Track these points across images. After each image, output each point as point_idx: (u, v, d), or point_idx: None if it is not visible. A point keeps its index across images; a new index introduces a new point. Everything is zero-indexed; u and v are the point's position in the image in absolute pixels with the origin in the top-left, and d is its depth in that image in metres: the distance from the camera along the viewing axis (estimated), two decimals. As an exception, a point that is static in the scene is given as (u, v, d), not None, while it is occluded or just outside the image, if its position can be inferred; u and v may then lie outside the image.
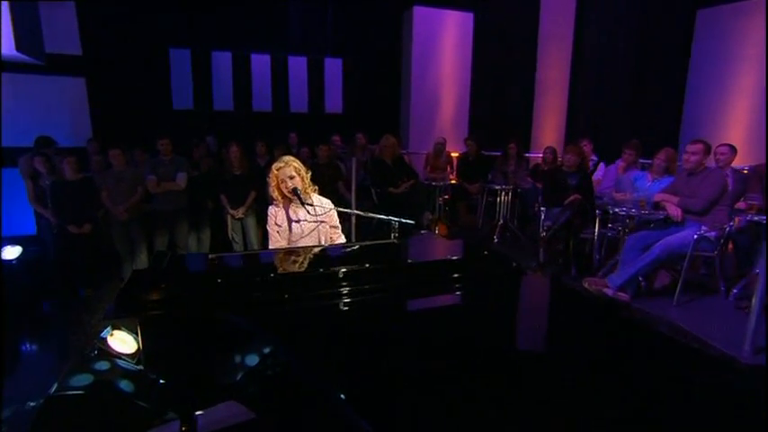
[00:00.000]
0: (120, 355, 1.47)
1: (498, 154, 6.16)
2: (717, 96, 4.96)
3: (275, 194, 2.49)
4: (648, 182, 3.78)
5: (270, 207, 2.57)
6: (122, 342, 1.52)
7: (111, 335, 1.52)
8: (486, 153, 6.27)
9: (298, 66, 7.96)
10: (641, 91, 5.89)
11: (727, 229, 3.04)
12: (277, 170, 2.45)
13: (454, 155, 6.55)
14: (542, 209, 3.99)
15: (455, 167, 6.38)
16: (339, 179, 5.35)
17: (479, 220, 5.81)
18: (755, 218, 2.97)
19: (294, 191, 2.40)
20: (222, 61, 7.35)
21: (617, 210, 3.37)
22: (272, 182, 2.47)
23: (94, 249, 4.39)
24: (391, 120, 7.79)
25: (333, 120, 8.18)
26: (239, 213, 4.72)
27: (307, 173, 2.50)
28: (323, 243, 2.52)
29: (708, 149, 3.21)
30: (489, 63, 7.33)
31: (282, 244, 2.51)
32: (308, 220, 2.50)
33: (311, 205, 2.44)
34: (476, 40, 7.27)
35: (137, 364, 1.45)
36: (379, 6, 7.71)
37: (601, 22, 6.38)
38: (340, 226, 2.62)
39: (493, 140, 6.48)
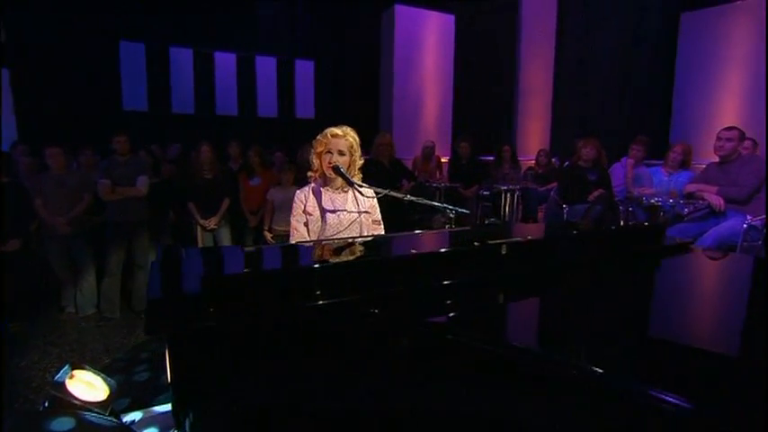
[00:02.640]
0: (87, 406, 1.13)
1: (489, 158, 5.95)
2: (704, 97, 5.05)
3: (315, 167, 2.01)
4: (665, 176, 3.65)
5: (297, 192, 2.07)
6: (89, 386, 1.20)
7: (72, 377, 1.18)
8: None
9: (266, 67, 7.43)
10: (627, 93, 5.93)
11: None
12: (332, 136, 1.95)
13: (443, 159, 6.25)
14: (565, 207, 3.74)
15: (446, 171, 6.07)
16: (325, 184, 4.83)
17: (452, 226, 5.51)
18: None
19: (336, 169, 1.91)
20: (182, 59, 6.67)
21: (653, 201, 3.17)
22: (317, 148, 1.99)
23: (24, 272, 3.57)
24: (370, 124, 7.40)
25: (304, 125, 7.69)
26: (211, 223, 4.07)
27: (360, 159, 2.02)
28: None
29: (742, 136, 3.09)
30: (472, 66, 7.19)
31: (305, 239, 1.99)
32: (347, 210, 2.01)
33: (364, 187, 1.94)
34: (458, 42, 7.12)
35: (112, 415, 1.16)
36: (354, 6, 7.40)
37: (582, 26, 6.43)
38: (382, 221, 2.14)
39: (478, 144, 6.27)
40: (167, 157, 5.13)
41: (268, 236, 4.23)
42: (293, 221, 2.03)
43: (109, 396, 1.24)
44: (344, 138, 1.96)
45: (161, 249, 1.80)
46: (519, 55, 6.98)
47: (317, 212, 2.00)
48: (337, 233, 2.00)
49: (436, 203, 2.02)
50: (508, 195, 4.59)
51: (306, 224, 2.01)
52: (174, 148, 5.44)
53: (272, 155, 5.48)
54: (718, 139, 3.10)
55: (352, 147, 1.97)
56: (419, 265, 1.25)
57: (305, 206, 2.01)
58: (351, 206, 2.02)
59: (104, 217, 3.77)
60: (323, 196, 2.01)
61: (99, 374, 1.28)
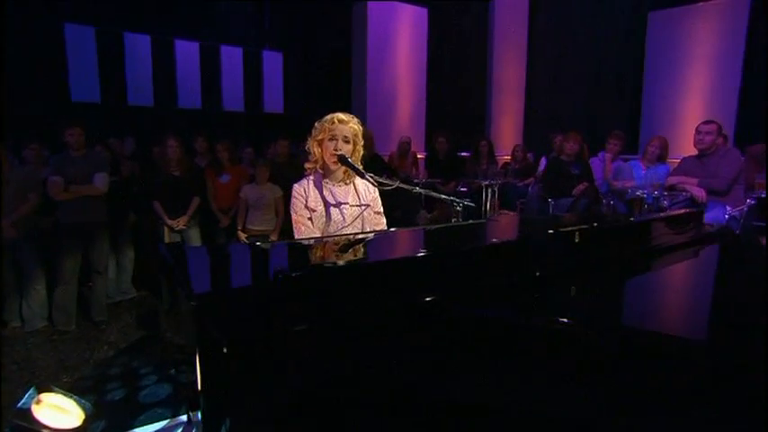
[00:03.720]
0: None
1: (465, 154, 5.97)
2: (672, 94, 5.28)
3: (315, 156, 1.85)
4: (643, 170, 3.76)
5: (295, 186, 1.90)
6: (60, 411, 1.06)
7: (38, 402, 1.04)
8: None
9: (232, 58, 7.07)
10: (599, 89, 6.12)
11: (745, 208, 3.03)
12: (338, 121, 1.80)
13: (420, 156, 6.20)
14: (550, 201, 3.77)
15: (422, 168, 6.01)
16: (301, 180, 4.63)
17: (458, 220, 5.50)
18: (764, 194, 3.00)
19: (342, 158, 1.77)
20: (138, 46, 6.20)
21: (639, 193, 3.25)
22: (317, 135, 1.83)
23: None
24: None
25: (273, 120, 7.40)
26: (180, 224, 3.79)
27: (362, 149, 1.89)
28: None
29: (720, 130, 3.22)
30: (445, 61, 7.18)
31: (314, 234, 1.85)
32: (350, 204, 1.87)
33: (373, 178, 1.79)
34: (430, 36, 7.08)
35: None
36: (324, -3, 7.20)
37: (554, 22, 6.57)
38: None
39: (451, 140, 6.27)
40: (126, 153, 4.74)
41: (242, 236, 4.01)
42: (296, 218, 1.88)
43: (84, 421, 1.10)
44: (349, 123, 1.82)
45: (164, 247, 1.60)
46: (492, 50, 7.05)
47: (321, 207, 1.87)
48: (340, 230, 1.87)
49: (444, 196, 1.99)
50: (489, 191, 4.59)
51: (310, 219, 1.86)
52: (128, 143, 5.04)
53: (241, 150, 5.21)
54: (698, 132, 3.22)
55: (356, 134, 1.85)
56: (510, 255, 1.20)
57: (306, 201, 1.87)
58: (353, 199, 1.90)
59: (56, 218, 3.41)
60: (324, 189, 1.87)
61: (70, 396, 1.13)
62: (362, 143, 1.88)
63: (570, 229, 1.37)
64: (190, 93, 6.72)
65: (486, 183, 4.60)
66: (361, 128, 1.86)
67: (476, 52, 7.20)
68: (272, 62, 7.45)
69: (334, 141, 1.79)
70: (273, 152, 4.91)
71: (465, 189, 5.40)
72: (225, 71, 7.04)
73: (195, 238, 3.92)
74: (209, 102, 6.91)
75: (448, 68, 7.26)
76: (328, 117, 1.83)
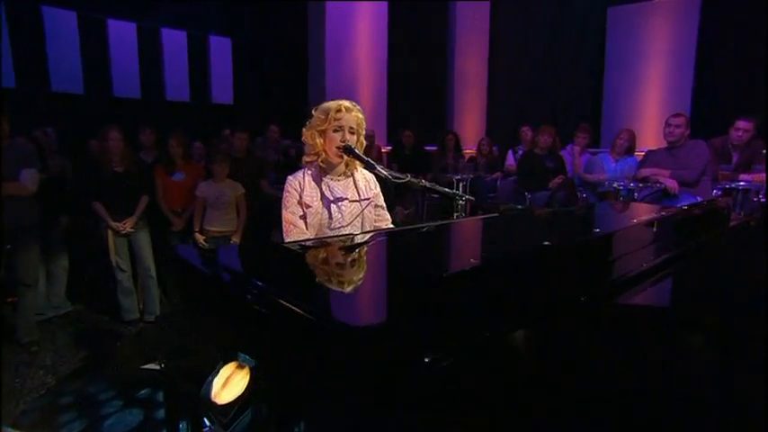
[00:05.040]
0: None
1: (430, 148, 5.96)
2: (632, 88, 5.58)
3: (317, 148, 1.71)
4: (612, 162, 3.93)
5: (289, 179, 1.77)
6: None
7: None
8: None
9: (174, 42, 6.55)
10: (560, 83, 6.35)
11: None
12: (345, 110, 1.69)
13: (384, 150, 6.10)
14: (527, 194, 3.83)
15: (386, 162, 5.93)
16: (262, 176, 4.37)
17: (423, 216, 5.47)
18: (733, 184, 3.21)
19: (348, 149, 1.67)
20: (63, 24, 5.53)
21: (615, 185, 3.37)
22: (319, 125, 1.70)
23: None
24: (298, 112, 6.95)
25: (221, 111, 6.97)
26: (127, 226, 3.42)
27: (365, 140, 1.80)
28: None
29: (689, 122, 3.40)
30: (406, 53, 7.13)
31: (303, 237, 1.71)
32: (350, 199, 1.76)
33: (379, 168, 1.69)
34: (391, 27, 6.99)
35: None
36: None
37: (515, 15, 6.73)
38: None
39: (416, 133, 6.25)
40: (54, 147, 4.21)
41: (200, 238, 3.70)
42: (287, 215, 1.73)
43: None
44: (352, 112, 1.71)
45: (195, 254, 1.35)
46: (454, 43, 7.10)
47: (317, 204, 1.73)
48: (339, 228, 1.74)
49: (447, 190, 1.93)
50: (460, 185, 4.60)
51: (303, 217, 1.71)
52: (49, 134, 4.48)
53: (191, 145, 4.84)
54: (668, 125, 3.39)
55: (360, 123, 1.75)
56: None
57: (300, 196, 1.73)
58: (352, 194, 1.78)
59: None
60: (321, 184, 1.75)
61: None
62: (364, 133, 1.77)
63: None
64: (126, 80, 6.13)
65: (458, 177, 4.61)
66: (363, 116, 1.75)
67: (437, 44, 7.21)
68: (220, 49, 7.00)
69: (341, 132, 1.69)
70: (230, 146, 4.59)
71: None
72: (167, 57, 6.51)
73: (145, 242, 3.56)
74: (148, 90, 6.35)
75: (409, 60, 7.22)
76: (332, 105, 1.70)
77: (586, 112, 5.70)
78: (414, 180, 1.75)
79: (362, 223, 1.84)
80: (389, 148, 6.22)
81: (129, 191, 3.45)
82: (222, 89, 7.11)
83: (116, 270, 3.46)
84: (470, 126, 7.15)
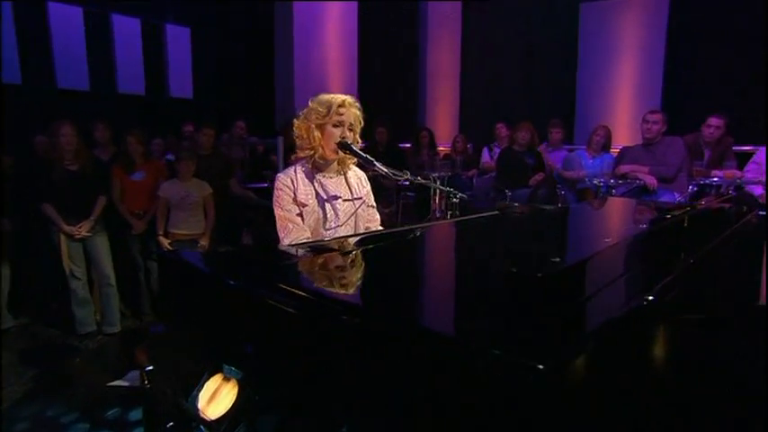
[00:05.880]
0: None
1: (404, 145, 5.94)
2: (604, 84, 5.73)
3: (313, 141, 1.64)
4: (589, 159, 4.05)
5: (280, 176, 1.69)
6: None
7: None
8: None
9: (126, 29, 6.15)
10: (532, 78, 6.48)
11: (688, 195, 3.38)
12: (340, 107, 1.63)
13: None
14: (507, 192, 3.87)
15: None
16: (231, 175, 4.19)
17: (398, 216, 5.44)
18: (707, 180, 3.38)
19: (345, 145, 1.62)
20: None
21: (596, 182, 3.46)
22: (315, 119, 1.63)
23: None
24: (265, 108, 6.74)
25: (180, 106, 6.63)
26: (82, 230, 3.17)
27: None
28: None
29: (665, 118, 3.54)
30: (376, 49, 7.07)
31: (303, 237, 1.64)
32: (343, 198, 1.71)
33: (379, 166, 1.67)
34: (361, 22, 6.90)
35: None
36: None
37: (487, 11, 6.82)
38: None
39: (391, 130, 6.22)
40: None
41: (165, 242, 3.50)
42: (283, 214, 1.66)
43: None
44: (352, 108, 1.67)
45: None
46: (426, 39, 7.11)
47: (313, 202, 1.68)
48: (336, 228, 1.69)
49: (442, 187, 2.00)
50: (438, 183, 4.59)
51: (300, 216, 1.65)
52: None
53: (151, 143, 4.57)
54: (645, 121, 3.52)
55: (358, 120, 1.71)
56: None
57: (295, 195, 1.66)
58: (345, 193, 1.74)
59: None
60: (314, 182, 1.69)
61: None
62: (359, 131, 1.73)
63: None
64: (71, 70, 5.70)
65: (435, 175, 4.61)
66: (361, 113, 1.72)
67: (408, 41, 7.20)
68: (178, 38, 6.65)
69: (340, 128, 1.64)
70: (195, 143, 4.37)
71: (406, 183, 5.37)
72: (119, 46, 6.11)
73: (103, 247, 3.32)
74: (98, 82, 5.93)
75: (380, 57, 7.17)
76: (334, 99, 1.65)
77: (560, 109, 5.81)
78: (411, 177, 1.74)
79: (356, 223, 1.80)
80: (362, 145, 6.12)
81: (84, 191, 3.20)
82: (181, 82, 6.75)
83: (69, 278, 3.21)
84: (443, 123, 7.19)
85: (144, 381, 1.20)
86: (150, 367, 1.21)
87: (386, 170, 1.68)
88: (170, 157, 4.41)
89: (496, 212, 1.96)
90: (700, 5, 5.34)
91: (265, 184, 4.52)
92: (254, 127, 5.76)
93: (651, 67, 5.44)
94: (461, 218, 1.79)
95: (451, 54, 7.20)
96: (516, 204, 3.02)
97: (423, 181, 1.95)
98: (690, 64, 5.38)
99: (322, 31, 6.57)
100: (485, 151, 5.36)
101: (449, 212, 1.95)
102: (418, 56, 7.19)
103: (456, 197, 1.93)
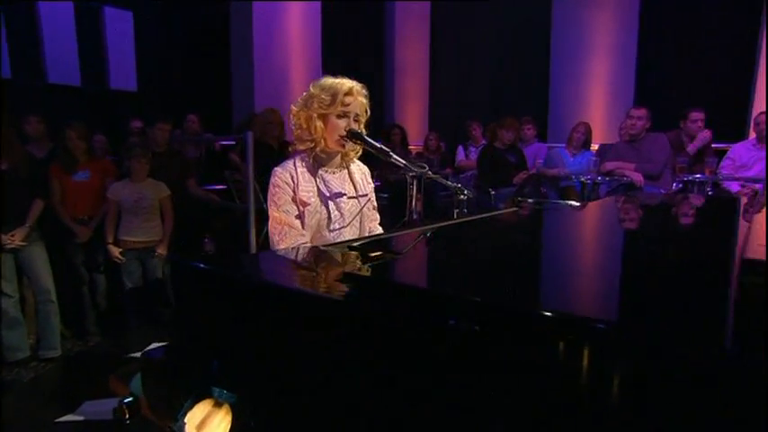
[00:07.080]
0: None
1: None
2: (577, 81, 5.80)
3: (316, 132, 1.49)
4: (570, 157, 4.11)
5: (277, 171, 1.52)
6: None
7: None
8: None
9: (57, 13, 5.59)
10: (504, 74, 6.55)
11: (673, 190, 3.49)
12: (346, 95, 1.48)
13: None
14: (492, 191, 3.84)
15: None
16: (189, 175, 3.87)
17: (463, 210, 5.30)
18: (690, 177, 3.50)
19: (355, 134, 1.48)
20: None
21: (583, 179, 3.50)
22: (318, 108, 1.48)
23: None
24: (221, 102, 6.36)
25: (123, 99, 6.14)
26: (16, 239, 2.80)
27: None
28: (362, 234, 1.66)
29: (649, 114, 3.63)
30: (341, 44, 6.90)
31: (302, 241, 1.49)
32: (347, 195, 1.58)
33: (395, 158, 1.58)
34: (324, 15, 6.70)
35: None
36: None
37: (457, 7, 6.85)
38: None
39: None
40: None
41: (115, 251, 3.17)
42: (279, 216, 1.50)
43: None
44: (359, 97, 1.53)
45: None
46: (394, 35, 7.04)
47: (316, 201, 1.53)
48: (340, 229, 1.54)
49: (449, 183, 1.89)
50: (415, 183, 4.50)
51: (298, 218, 1.50)
52: None
53: (93, 139, 4.17)
54: (629, 117, 3.60)
55: (364, 111, 1.56)
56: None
57: (295, 192, 1.50)
58: (349, 190, 1.61)
59: None
60: (317, 178, 1.54)
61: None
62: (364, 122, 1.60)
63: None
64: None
65: (413, 174, 4.52)
66: (367, 102, 1.58)
67: (375, 38, 7.11)
68: (120, 24, 6.15)
69: (346, 119, 1.49)
70: (146, 139, 4.01)
71: (378, 183, 5.24)
72: (47, 31, 5.54)
73: (40, 258, 2.94)
74: (24, 71, 5.35)
75: (343, 56, 7.00)
76: (341, 86, 1.49)
77: (532, 105, 5.87)
78: (432, 175, 1.69)
79: (361, 223, 1.66)
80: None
81: (16, 194, 2.81)
82: (122, 73, 6.24)
83: (0, 295, 2.80)
84: (412, 121, 7.14)
85: (123, 414, 1.05)
86: (130, 399, 1.06)
87: (404, 162, 1.56)
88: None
89: (515, 209, 1.90)
90: (670, 2, 5.59)
91: (224, 186, 4.24)
92: (207, 123, 5.41)
93: (625, 65, 5.62)
94: (493, 213, 1.73)
95: (420, 50, 7.18)
96: (532, 201, 3.00)
97: (434, 176, 1.84)
98: (662, 61, 5.61)
99: (283, 28, 6.29)
100: (460, 150, 5.35)
101: (455, 210, 1.87)
102: (386, 53, 7.10)
103: (464, 194, 1.86)
